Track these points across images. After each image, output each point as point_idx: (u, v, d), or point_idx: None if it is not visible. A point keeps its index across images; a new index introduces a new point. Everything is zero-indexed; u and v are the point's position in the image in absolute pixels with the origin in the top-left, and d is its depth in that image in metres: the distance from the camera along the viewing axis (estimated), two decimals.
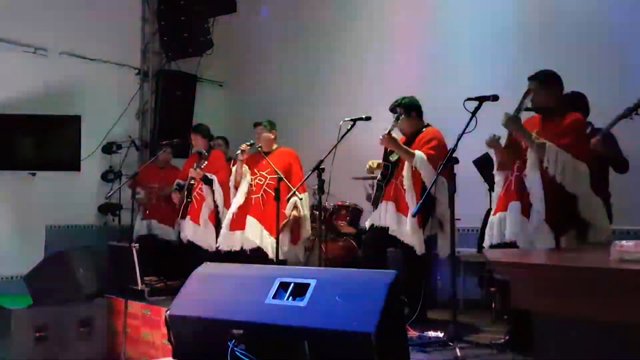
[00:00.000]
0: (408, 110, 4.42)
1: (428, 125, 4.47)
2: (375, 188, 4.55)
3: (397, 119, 4.33)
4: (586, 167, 3.40)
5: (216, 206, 5.61)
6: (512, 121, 3.51)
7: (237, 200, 5.18)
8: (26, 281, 5.30)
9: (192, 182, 5.76)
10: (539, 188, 3.43)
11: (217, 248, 5.29)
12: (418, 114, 4.47)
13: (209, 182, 5.58)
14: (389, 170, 4.41)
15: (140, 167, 6.91)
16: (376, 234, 4.37)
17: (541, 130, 3.57)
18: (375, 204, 4.47)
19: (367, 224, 4.54)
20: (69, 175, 6.74)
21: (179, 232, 5.95)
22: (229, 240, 5.14)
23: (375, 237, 4.39)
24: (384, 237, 4.30)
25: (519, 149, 3.61)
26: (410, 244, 4.18)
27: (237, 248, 5.11)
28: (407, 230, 4.18)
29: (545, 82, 3.60)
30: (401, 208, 4.25)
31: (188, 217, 5.68)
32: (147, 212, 6.40)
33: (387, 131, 4.18)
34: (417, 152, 4.18)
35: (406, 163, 4.24)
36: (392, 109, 4.46)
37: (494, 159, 3.75)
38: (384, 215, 4.32)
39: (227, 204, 5.54)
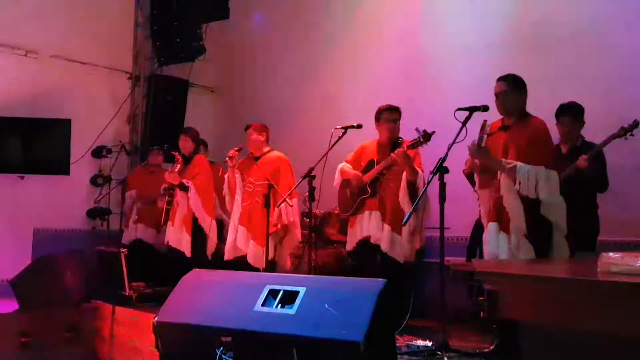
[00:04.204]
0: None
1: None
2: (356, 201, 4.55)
3: (424, 138, 4.15)
4: (556, 174, 3.49)
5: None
6: (481, 154, 3.56)
7: (235, 212, 5.09)
8: (12, 285, 5.26)
9: (172, 187, 5.62)
10: (517, 208, 3.48)
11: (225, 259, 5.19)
12: None
13: (184, 189, 5.45)
14: (375, 185, 4.44)
15: (129, 172, 6.89)
16: (363, 245, 4.46)
17: (507, 139, 3.62)
18: (354, 213, 4.51)
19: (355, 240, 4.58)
20: (58, 178, 6.71)
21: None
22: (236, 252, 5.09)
23: (363, 248, 4.47)
24: (370, 247, 4.38)
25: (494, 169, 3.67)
26: (391, 254, 4.25)
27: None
28: (398, 242, 4.27)
29: (515, 85, 3.67)
30: (387, 219, 4.33)
31: (169, 222, 5.58)
32: (137, 216, 6.36)
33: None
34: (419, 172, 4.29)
35: (403, 182, 4.28)
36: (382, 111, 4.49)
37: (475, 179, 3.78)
38: (367, 224, 4.42)
39: (208, 211, 5.45)
